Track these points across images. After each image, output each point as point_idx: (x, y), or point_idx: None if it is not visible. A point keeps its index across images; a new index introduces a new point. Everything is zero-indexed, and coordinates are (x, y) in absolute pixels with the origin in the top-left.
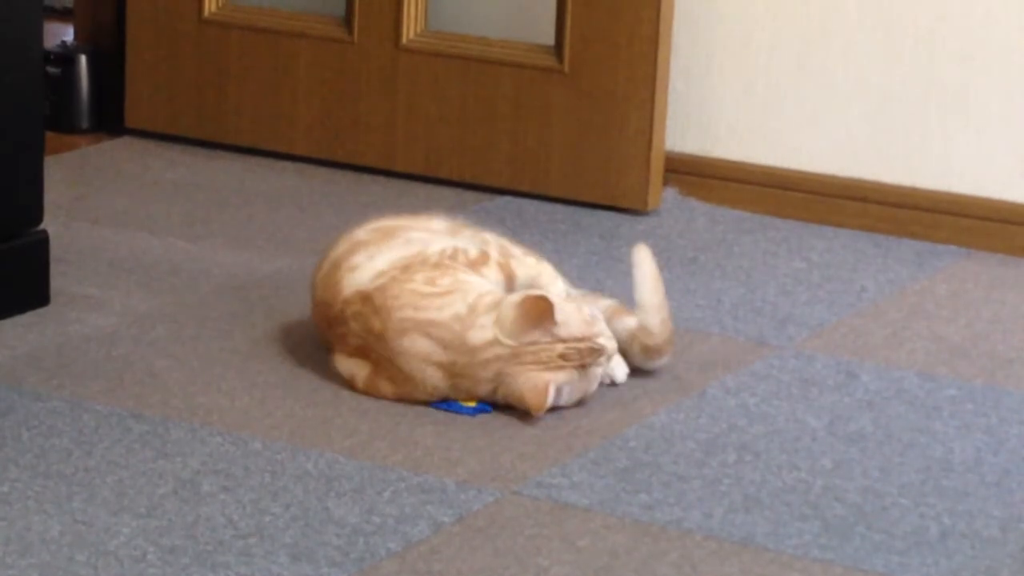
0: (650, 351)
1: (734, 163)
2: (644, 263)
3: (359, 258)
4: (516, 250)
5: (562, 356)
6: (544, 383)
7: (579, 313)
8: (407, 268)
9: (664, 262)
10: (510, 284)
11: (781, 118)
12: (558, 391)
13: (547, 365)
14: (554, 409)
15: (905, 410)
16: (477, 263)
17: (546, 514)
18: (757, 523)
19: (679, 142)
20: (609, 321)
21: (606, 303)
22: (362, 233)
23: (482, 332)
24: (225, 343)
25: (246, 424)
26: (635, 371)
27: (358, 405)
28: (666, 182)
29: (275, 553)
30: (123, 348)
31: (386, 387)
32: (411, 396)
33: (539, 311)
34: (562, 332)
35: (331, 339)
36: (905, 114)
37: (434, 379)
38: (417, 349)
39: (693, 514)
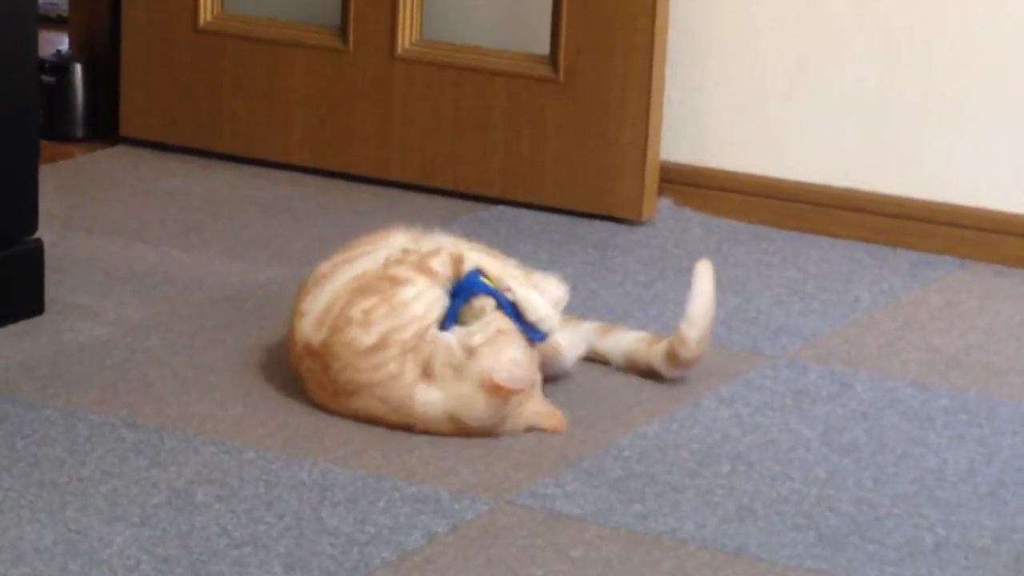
0: (677, 361)
1: (729, 173)
2: (704, 280)
3: (306, 303)
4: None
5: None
6: (557, 412)
7: (519, 368)
8: (345, 307)
9: (658, 272)
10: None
11: (776, 128)
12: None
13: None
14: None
15: (899, 420)
16: (428, 256)
17: (540, 524)
18: (751, 533)
19: (674, 152)
20: (602, 338)
21: (588, 326)
22: (326, 266)
23: (431, 408)
24: (219, 352)
25: (240, 433)
26: (629, 381)
27: None
28: (661, 192)
29: (269, 563)
30: (117, 357)
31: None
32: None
33: (503, 395)
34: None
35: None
36: (900, 124)
37: (387, 424)
38: (368, 408)
39: (687, 524)
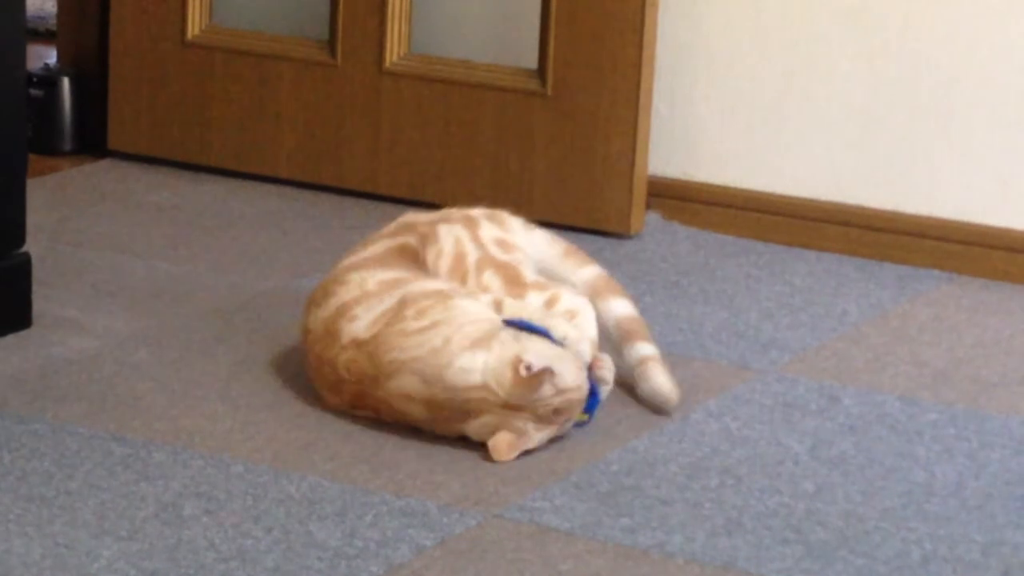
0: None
1: (717, 187)
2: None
3: (360, 309)
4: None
5: (556, 411)
6: (516, 443)
7: (573, 363)
8: (400, 307)
9: (646, 286)
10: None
11: (764, 142)
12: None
13: (540, 419)
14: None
15: (887, 434)
16: (532, 286)
17: (528, 538)
18: (739, 547)
19: (662, 166)
20: (594, 299)
21: (590, 273)
22: (372, 284)
23: (465, 375)
24: (207, 366)
25: (228, 447)
26: (618, 394)
27: (341, 428)
28: (649, 206)
29: None
30: (105, 371)
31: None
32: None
33: (540, 381)
34: (559, 384)
35: (321, 380)
36: (888, 138)
37: (415, 413)
38: (404, 387)
39: (675, 538)
